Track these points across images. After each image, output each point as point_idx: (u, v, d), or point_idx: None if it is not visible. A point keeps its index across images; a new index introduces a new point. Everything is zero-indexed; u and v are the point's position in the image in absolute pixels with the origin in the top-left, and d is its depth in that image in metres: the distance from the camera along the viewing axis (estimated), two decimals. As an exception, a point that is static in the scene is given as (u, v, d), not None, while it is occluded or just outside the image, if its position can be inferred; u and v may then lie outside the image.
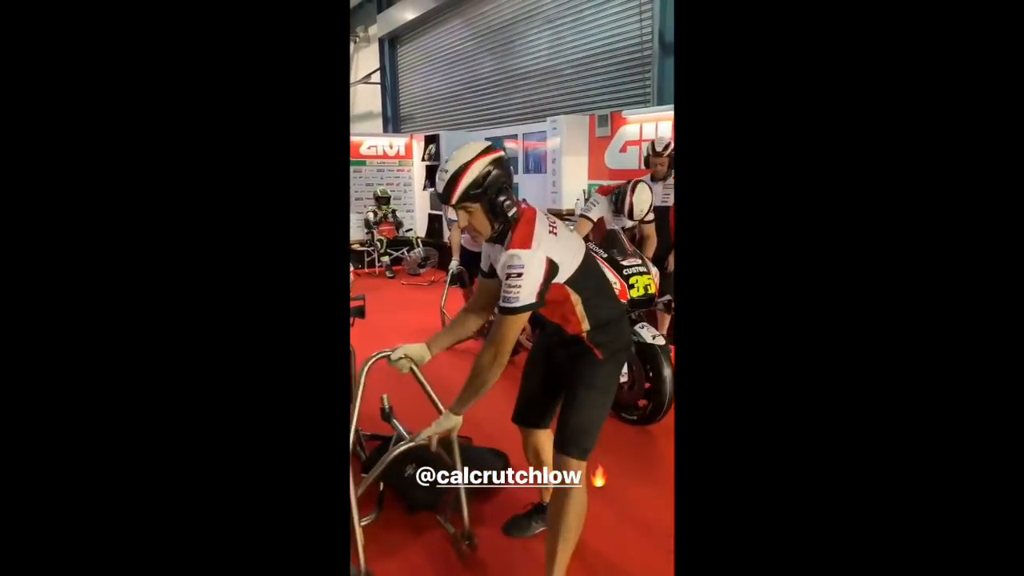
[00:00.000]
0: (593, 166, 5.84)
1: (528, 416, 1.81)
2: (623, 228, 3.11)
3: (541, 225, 1.49)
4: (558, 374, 1.69)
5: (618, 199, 3.10)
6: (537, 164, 6.32)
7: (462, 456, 1.78)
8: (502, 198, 1.46)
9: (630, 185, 3.09)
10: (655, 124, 5.05)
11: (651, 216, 3.25)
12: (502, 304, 1.44)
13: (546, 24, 6.88)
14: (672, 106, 4.94)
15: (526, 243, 1.44)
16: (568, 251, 1.51)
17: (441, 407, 1.79)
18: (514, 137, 6.70)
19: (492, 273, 1.63)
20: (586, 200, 5.73)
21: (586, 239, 3.02)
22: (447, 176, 1.43)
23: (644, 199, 3.05)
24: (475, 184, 1.42)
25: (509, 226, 1.49)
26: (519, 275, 1.41)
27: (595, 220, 3.13)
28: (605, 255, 2.79)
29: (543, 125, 6.13)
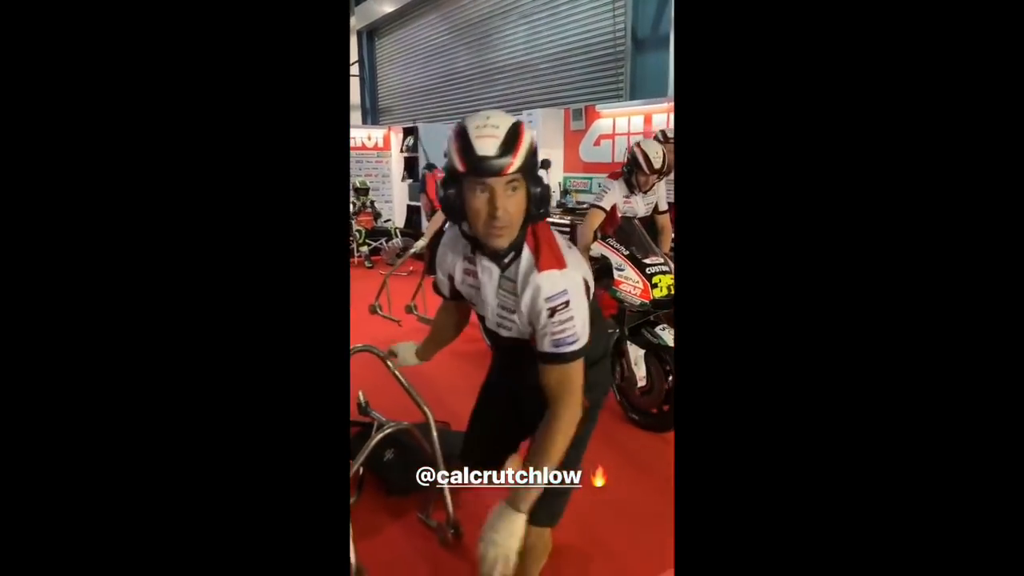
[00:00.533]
0: (568, 159, 5.84)
1: (483, 457, 1.31)
2: (636, 217, 2.81)
3: (558, 237, 1.10)
4: (528, 424, 1.21)
5: (630, 171, 2.74)
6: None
7: (440, 442, 1.77)
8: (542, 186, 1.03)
9: (633, 145, 2.75)
10: (627, 118, 5.06)
11: (665, 206, 2.99)
12: (555, 351, 1.03)
13: (522, 19, 6.83)
14: (643, 101, 4.96)
15: (560, 261, 1.03)
16: (587, 270, 1.13)
17: (420, 402, 1.77)
18: (491, 130, 6.65)
19: (457, 295, 1.26)
20: (563, 193, 5.73)
21: (600, 233, 2.73)
22: (501, 131, 0.95)
23: (654, 147, 2.69)
24: (532, 150, 0.99)
25: (522, 238, 1.05)
26: (566, 305, 1.00)
27: (608, 210, 2.76)
28: (626, 252, 2.56)
29: (519, 118, 6.09)
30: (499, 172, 0.94)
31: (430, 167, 6.84)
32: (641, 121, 4.90)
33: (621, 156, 3.87)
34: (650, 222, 2.96)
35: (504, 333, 1.15)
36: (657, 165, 2.67)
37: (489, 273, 1.10)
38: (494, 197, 0.96)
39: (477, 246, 1.09)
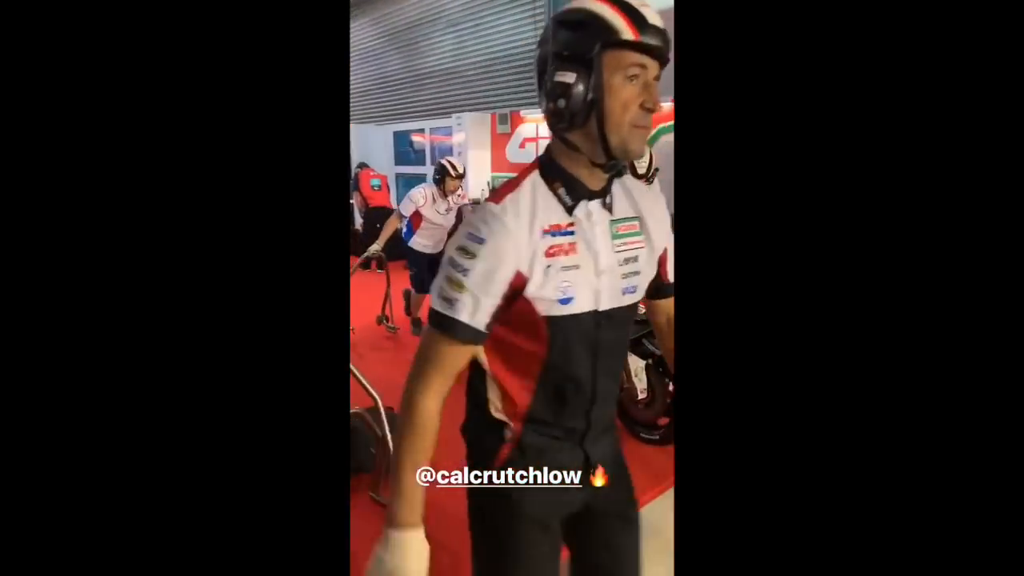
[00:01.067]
0: (495, 159, 5.92)
1: None
2: None
3: None
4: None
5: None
6: (444, 156, 6.32)
7: (389, 425, 1.80)
8: None
9: None
10: (550, 123, 5.18)
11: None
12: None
13: (449, 27, 6.81)
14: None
15: None
16: None
17: (370, 388, 1.77)
18: (421, 131, 6.63)
19: (492, 323, 0.75)
20: (492, 190, 5.80)
21: None
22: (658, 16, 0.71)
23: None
24: None
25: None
26: None
27: None
28: None
29: (449, 121, 6.11)
30: (665, 57, 0.73)
31: (361, 166, 6.71)
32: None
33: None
34: None
35: (629, 300, 0.82)
36: (640, 171, 2.54)
37: (603, 224, 0.78)
38: (650, 83, 0.72)
39: (578, 193, 0.76)
